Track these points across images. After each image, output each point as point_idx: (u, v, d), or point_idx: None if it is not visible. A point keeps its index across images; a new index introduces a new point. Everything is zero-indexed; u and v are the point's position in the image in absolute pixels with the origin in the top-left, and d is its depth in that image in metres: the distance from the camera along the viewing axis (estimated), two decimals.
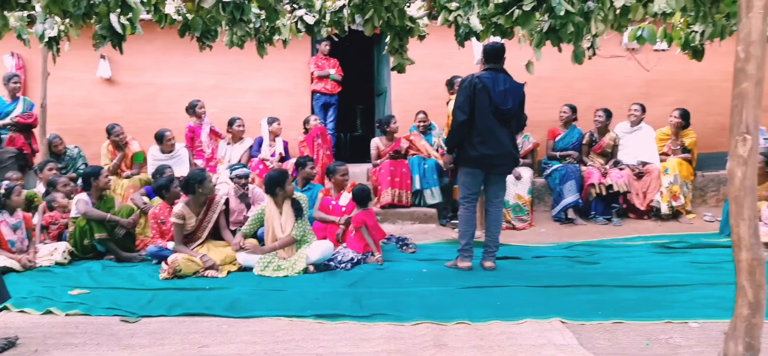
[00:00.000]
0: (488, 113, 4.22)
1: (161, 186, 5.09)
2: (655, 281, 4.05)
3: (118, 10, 3.86)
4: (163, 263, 4.45)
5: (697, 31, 4.56)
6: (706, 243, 5.22)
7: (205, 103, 7.04)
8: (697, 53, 4.72)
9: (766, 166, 5.70)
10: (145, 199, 5.63)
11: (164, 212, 5.02)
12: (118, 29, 3.99)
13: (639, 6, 3.76)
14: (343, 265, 4.59)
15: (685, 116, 6.75)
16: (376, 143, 7.00)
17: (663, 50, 6.91)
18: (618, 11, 4.00)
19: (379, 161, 6.84)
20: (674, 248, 5.15)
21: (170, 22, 4.67)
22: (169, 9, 4.61)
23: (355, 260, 4.66)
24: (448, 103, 6.75)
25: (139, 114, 7.72)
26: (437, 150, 6.95)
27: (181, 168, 6.45)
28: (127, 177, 6.39)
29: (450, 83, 6.83)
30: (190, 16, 4.52)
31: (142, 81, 7.83)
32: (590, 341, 2.96)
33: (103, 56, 7.60)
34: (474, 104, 4.21)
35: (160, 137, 6.54)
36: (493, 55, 4.37)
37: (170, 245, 4.81)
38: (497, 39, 4.59)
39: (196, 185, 4.64)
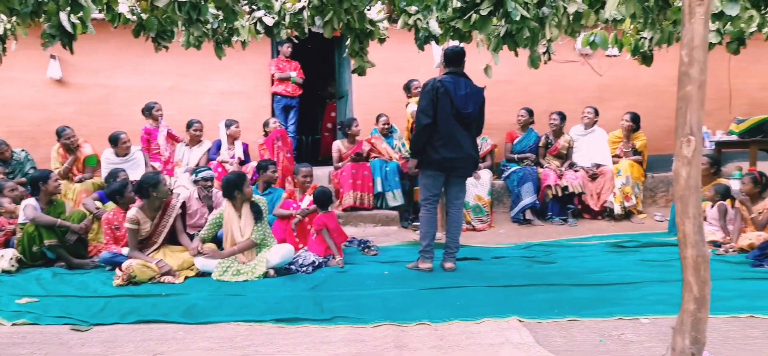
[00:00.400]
0: (450, 116, 4.27)
1: (115, 191, 4.94)
2: (609, 279, 4.17)
3: (68, 9, 3.73)
4: (117, 270, 4.32)
5: (646, 38, 4.73)
6: (656, 242, 5.42)
7: (162, 105, 6.87)
8: (647, 59, 4.89)
9: (711, 167, 5.97)
10: (98, 204, 5.45)
11: (118, 217, 4.87)
12: (69, 28, 3.84)
13: (591, 12, 3.88)
14: (303, 268, 4.55)
15: (635, 119, 7.00)
16: (338, 145, 6.99)
17: (615, 56, 7.17)
18: (571, 17, 4.12)
19: (340, 164, 6.83)
20: (626, 247, 5.32)
21: (124, 22, 4.54)
22: (123, 8, 4.49)
23: (316, 263, 4.64)
24: (407, 106, 6.79)
25: (93, 116, 7.47)
26: (399, 153, 6.99)
27: (136, 172, 6.27)
28: (79, 181, 6.17)
29: (407, 87, 6.88)
30: (144, 16, 4.41)
31: (95, 82, 7.57)
32: (546, 339, 3.03)
33: (53, 56, 7.32)
34: (436, 108, 4.24)
35: (114, 140, 6.35)
36: (454, 59, 4.43)
37: (124, 251, 4.67)
38: (456, 43, 4.65)
39: (150, 188, 4.52)
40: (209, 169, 5.71)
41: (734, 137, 7.06)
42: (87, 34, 4.08)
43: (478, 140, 6.91)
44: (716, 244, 5.11)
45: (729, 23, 4.48)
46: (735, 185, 5.70)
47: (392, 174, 6.68)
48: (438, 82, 4.29)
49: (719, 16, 4.19)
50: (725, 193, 5.34)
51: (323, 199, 4.94)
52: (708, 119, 7.57)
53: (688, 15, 2.11)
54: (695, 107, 2.16)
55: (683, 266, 2.30)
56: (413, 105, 6.91)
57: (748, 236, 4.93)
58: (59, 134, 6.28)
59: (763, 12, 4.17)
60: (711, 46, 4.80)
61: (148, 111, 6.75)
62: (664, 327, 3.11)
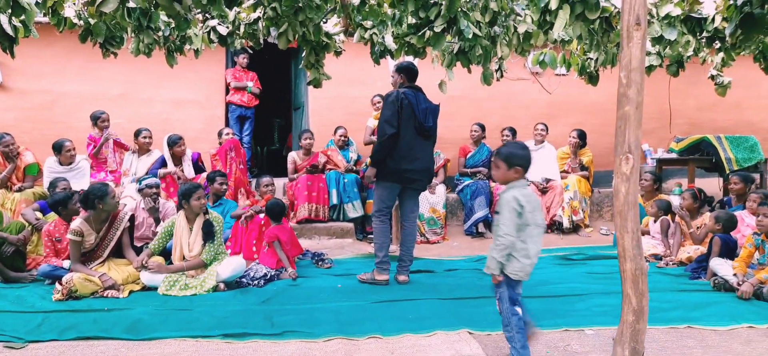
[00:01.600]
0: (412, 129, 4.34)
1: (58, 201, 4.73)
2: (556, 291, 4.28)
3: (9, 11, 3.58)
4: (56, 284, 4.14)
5: (592, 58, 4.93)
6: (601, 255, 5.61)
7: (111, 112, 6.66)
8: (593, 78, 5.10)
9: (654, 183, 6.25)
10: (39, 214, 5.21)
11: (60, 228, 4.67)
12: (10, 31, 3.69)
13: (540, 33, 4.01)
14: (255, 282, 4.48)
15: (582, 136, 7.26)
16: (293, 157, 6.94)
17: (563, 75, 7.43)
18: (521, 37, 4.26)
19: (295, 176, 6.78)
20: (574, 260, 5.48)
21: (70, 27, 4.40)
22: (69, 12, 4.35)
23: (268, 276, 4.57)
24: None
25: (36, 123, 7.17)
26: (356, 165, 7.01)
27: (81, 181, 6.04)
28: (19, 191, 5.89)
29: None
30: (92, 21, 4.28)
31: (39, 88, 7.27)
32: (495, 351, 3.08)
33: None
34: (400, 119, 4.29)
35: (58, 148, 6.09)
36: (413, 74, 4.52)
37: (66, 264, 4.48)
38: (411, 58, 4.72)
39: (96, 200, 4.35)
40: (154, 176, 5.56)
41: (674, 155, 7.41)
42: (30, 38, 3.93)
43: None
44: (657, 257, 5.33)
45: (668, 47, 4.74)
46: (675, 200, 5.98)
47: (351, 185, 6.69)
48: (402, 94, 4.33)
49: (659, 40, 4.43)
50: (667, 208, 5.59)
51: (276, 211, 4.89)
52: (649, 138, 7.95)
53: (626, 39, 2.22)
54: (633, 126, 2.27)
55: (622, 278, 2.39)
56: (373, 120, 6.96)
57: (687, 249, 5.17)
58: None
59: (699, 37, 4.42)
60: (652, 68, 5.06)
61: (95, 120, 6.53)
62: (607, 338, 3.21)
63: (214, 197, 5.50)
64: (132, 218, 4.80)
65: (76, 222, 4.37)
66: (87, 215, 4.42)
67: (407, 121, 4.31)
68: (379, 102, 7.08)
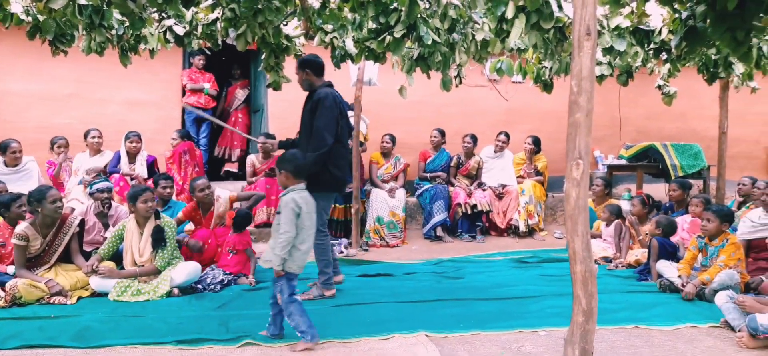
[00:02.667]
0: (344, 132, 4.15)
1: (1, 204, 4.53)
2: (511, 293, 4.38)
3: None
4: None
5: (546, 67, 5.07)
6: (555, 258, 5.76)
7: (61, 113, 6.42)
8: (547, 86, 5.24)
9: (606, 188, 6.47)
10: None
11: (4, 233, 4.47)
12: None
13: (497, 41, 4.10)
14: (211, 287, 4.40)
15: (536, 142, 7.46)
16: (252, 160, 6.85)
17: (519, 82, 7.60)
18: (479, 44, 4.34)
19: (254, 179, 6.69)
20: (528, 262, 5.62)
21: (17, 23, 4.22)
22: (16, 8, 4.17)
23: (226, 281, 4.50)
24: None
25: None
26: None
27: (28, 184, 5.78)
28: None
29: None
30: (41, 18, 4.12)
31: None
32: (452, 352, 3.13)
33: None
34: (339, 124, 4.07)
35: (3, 148, 5.83)
36: (322, 68, 4.19)
37: (10, 269, 4.29)
38: (370, 63, 4.74)
39: (34, 202, 4.17)
40: (105, 180, 5.38)
41: (624, 161, 7.69)
42: None
43: (391, 160, 7.15)
44: (607, 260, 5.51)
45: (618, 57, 4.93)
46: (625, 205, 6.21)
47: None
48: (337, 96, 4.08)
49: (610, 50, 4.60)
50: (619, 213, 5.79)
51: (240, 221, 4.83)
52: (601, 144, 8.22)
53: (577, 48, 2.30)
54: (583, 133, 2.35)
55: (573, 280, 2.47)
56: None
57: (635, 252, 5.37)
58: None
59: (647, 49, 4.61)
60: (603, 77, 5.24)
61: (52, 144, 6.30)
62: (559, 338, 3.29)
63: (161, 201, 5.34)
64: (82, 223, 4.63)
65: (21, 226, 4.19)
66: (33, 219, 4.25)
67: (343, 124, 4.11)
68: None
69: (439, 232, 6.87)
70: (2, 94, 6.99)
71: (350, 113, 6.69)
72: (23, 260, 4.14)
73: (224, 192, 5.13)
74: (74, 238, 4.41)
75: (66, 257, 4.38)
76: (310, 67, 4.13)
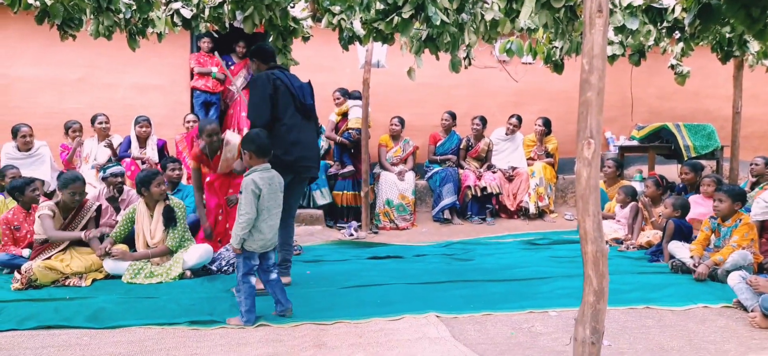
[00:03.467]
0: (295, 111, 3.90)
1: (15, 188, 4.58)
2: (522, 274, 4.38)
3: None
4: (15, 273, 4.01)
5: (557, 47, 5.01)
6: (565, 239, 5.75)
7: (70, 98, 6.44)
8: (558, 67, 5.18)
9: (617, 169, 6.42)
10: None
11: (19, 216, 4.53)
12: None
13: (506, 20, 4.05)
14: (223, 269, 4.44)
15: (547, 124, 7.40)
16: None
17: (529, 63, 7.52)
18: (488, 24, 4.29)
19: None
20: (539, 244, 5.61)
21: (26, 7, 4.22)
22: None
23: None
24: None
25: None
26: (326, 157, 6.99)
27: (40, 169, 5.86)
28: None
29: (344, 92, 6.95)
30: (49, 2, 4.12)
31: None
32: (462, 333, 3.14)
33: None
34: (277, 103, 3.81)
35: (14, 133, 5.89)
36: (269, 55, 4.07)
37: (25, 252, 4.35)
38: (379, 44, 4.70)
39: (61, 186, 4.28)
40: (118, 164, 5.42)
41: (635, 143, 7.62)
42: None
43: (400, 142, 7.12)
44: (618, 241, 5.49)
45: (630, 36, 4.85)
46: (638, 187, 6.16)
47: (320, 172, 6.66)
48: (272, 75, 3.85)
49: (622, 29, 4.53)
50: (634, 194, 5.74)
51: None
52: (612, 125, 8.13)
53: (588, 26, 2.26)
54: (594, 112, 2.31)
55: (584, 260, 2.45)
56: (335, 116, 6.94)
57: (646, 234, 5.34)
58: None
59: (659, 27, 4.53)
60: (614, 57, 5.17)
61: (66, 129, 6.34)
62: (569, 318, 3.30)
63: (170, 184, 5.37)
64: (99, 210, 4.67)
65: (48, 203, 4.34)
66: (58, 200, 4.33)
67: (286, 103, 3.85)
68: (339, 99, 7.05)
69: (448, 215, 6.87)
70: (12, 79, 7.03)
71: (356, 101, 6.71)
72: (57, 226, 4.25)
73: (235, 137, 5.01)
74: (91, 222, 4.47)
75: (81, 241, 4.42)
76: (255, 55, 4.05)
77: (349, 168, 6.72)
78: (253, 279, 3.27)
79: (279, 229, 3.72)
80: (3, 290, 3.89)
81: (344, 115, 6.90)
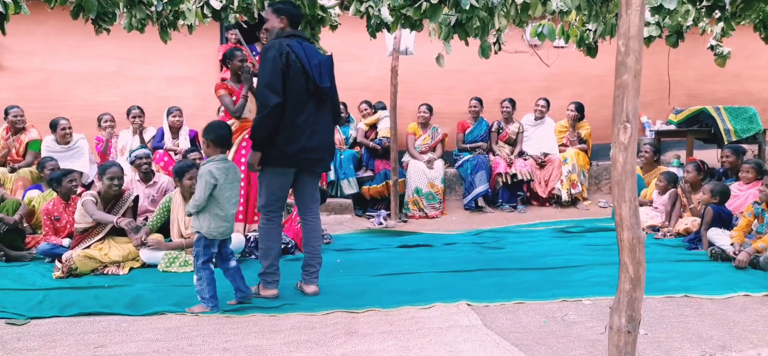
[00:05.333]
0: (304, 93, 3.33)
1: (54, 179, 4.74)
2: (554, 263, 4.31)
3: None
4: (56, 262, 4.15)
5: (590, 29, 4.88)
6: (599, 227, 5.64)
7: (105, 91, 6.59)
8: (591, 50, 5.05)
9: (654, 154, 6.24)
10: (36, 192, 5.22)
11: (59, 207, 4.68)
12: (0, 8, 3.63)
13: (538, 3, 3.96)
14: (255, 256, 4.49)
15: (580, 109, 7.23)
16: None
17: (562, 47, 7.34)
18: (519, 7, 4.20)
19: None
20: (572, 232, 5.51)
21: (61, 3, 4.32)
22: None
23: None
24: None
25: (30, 102, 7.07)
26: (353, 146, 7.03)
27: (79, 161, 6.03)
28: (12, 170, 5.84)
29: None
30: None
31: (32, 66, 7.20)
32: (493, 321, 3.11)
33: None
34: (287, 82, 3.28)
35: (53, 126, 6.07)
36: (297, 19, 3.52)
37: (65, 242, 4.49)
38: (407, 31, 4.65)
39: (100, 175, 4.47)
40: (143, 147, 5.59)
41: (672, 127, 7.39)
42: (22, 15, 3.87)
43: (428, 130, 7.07)
44: (654, 229, 5.35)
45: (668, 17, 4.69)
46: (676, 173, 5.98)
47: (347, 162, 6.69)
48: (285, 46, 3.27)
49: (659, 9, 4.38)
50: (676, 180, 5.58)
51: None
52: (648, 109, 7.91)
53: (625, 6, 2.19)
54: (631, 95, 2.25)
55: (619, 247, 2.39)
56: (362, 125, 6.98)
57: (684, 221, 5.19)
58: (6, 112, 6.10)
59: (698, 7, 4.37)
60: (651, 39, 5.01)
61: (99, 121, 6.52)
62: (604, 307, 3.24)
63: None
64: (136, 200, 4.79)
65: (90, 191, 4.50)
66: (99, 190, 4.49)
67: (296, 83, 3.28)
68: (366, 109, 7.11)
69: (479, 202, 6.81)
70: (50, 73, 7.24)
71: (385, 112, 6.78)
72: (99, 210, 4.37)
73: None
74: (129, 212, 4.58)
75: (119, 231, 4.54)
76: (285, 13, 3.45)
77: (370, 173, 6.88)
78: (212, 266, 3.32)
79: (303, 231, 3.69)
80: (45, 278, 4.03)
81: (373, 126, 7.05)
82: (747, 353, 2.68)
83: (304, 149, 3.37)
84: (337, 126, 6.94)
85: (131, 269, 4.28)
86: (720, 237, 4.33)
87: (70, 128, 6.12)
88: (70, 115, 6.34)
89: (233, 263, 3.40)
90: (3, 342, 2.88)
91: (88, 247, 4.28)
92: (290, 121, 3.32)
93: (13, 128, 6.08)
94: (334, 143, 3.69)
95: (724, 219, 4.57)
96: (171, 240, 4.46)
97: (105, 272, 4.16)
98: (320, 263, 3.62)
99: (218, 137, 3.30)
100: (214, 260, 3.35)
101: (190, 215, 3.32)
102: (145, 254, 4.35)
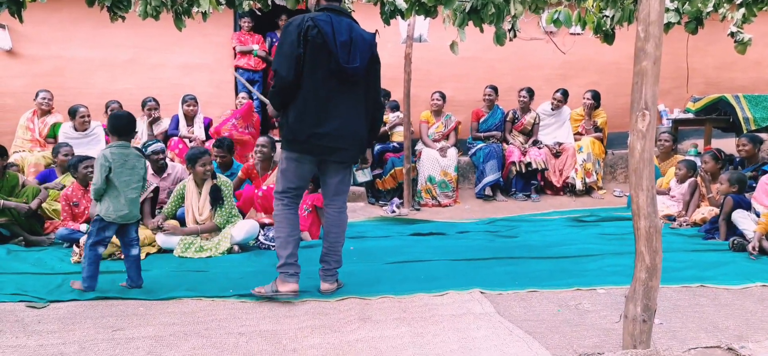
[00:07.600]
0: (325, 72, 2.99)
1: (71, 165, 4.80)
2: (568, 252, 4.28)
3: None
4: (74, 247, 4.21)
5: (608, 16, 4.81)
6: (614, 216, 5.58)
7: (121, 79, 6.65)
8: (609, 37, 4.98)
9: (673, 143, 6.16)
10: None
11: (77, 193, 4.74)
12: None
13: None
14: (269, 243, 4.53)
15: (596, 97, 7.15)
16: None
17: (578, 34, 7.27)
18: None
19: None
20: (586, 221, 5.47)
21: None
22: None
23: None
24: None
25: (47, 89, 7.19)
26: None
27: (96, 148, 6.10)
28: (35, 155, 5.94)
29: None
30: None
31: (48, 54, 7.27)
32: (507, 309, 3.10)
33: (2, 26, 6.99)
34: (304, 59, 2.96)
35: (72, 113, 6.16)
36: None
37: (83, 227, 4.56)
38: (421, 17, 4.62)
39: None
40: (157, 141, 5.61)
41: (690, 115, 7.29)
42: (37, 3, 3.91)
43: (442, 118, 7.03)
44: (671, 218, 5.29)
45: (687, 3, 4.61)
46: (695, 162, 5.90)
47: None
48: (309, 21, 2.94)
49: None
50: (695, 169, 5.50)
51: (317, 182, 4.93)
52: (666, 98, 7.81)
53: None
54: (650, 82, 2.22)
55: (636, 236, 2.37)
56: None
57: (701, 210, 5.12)
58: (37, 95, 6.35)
59: None
60: (670, 25, 4.93)
61: (106, 108, 6.58)
62: (619, 296, 3.22)
63: (223, 167, 5.48)
64: (157, 191, 4.83)
65: None
66: None
67: (316, 60, 2.95)
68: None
69: (492, 191, 6.78)
70: (66, 61, 7.31)
71: (397, 113, 6.75)
72: None
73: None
74: (147, 202, 4.62)
75: None
76: None
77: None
78: (101, 250, 3.38)
79: (324, 222, 3.47)
80: (64, 262, 4.09)
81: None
82: (764, 343, 2.65)
83: (317, 135, 3.02)
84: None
85: (148, 254, 4.33)
86: (745, 221, 4.26)
87: (88, 115, 6.20)
88: (87, 102, 6.42)
89: (135, 251, 3.48)
90: (24, 325, 2.93)
91: None
92: (306, 103, 2.99)
93: (40, 110, 6.26)
94: (365, 134, 3.25)
95: (744, 208, 4.50)
96: (186, 226, 4.50)
97: (121, 257, 4.20)
98: (338, 262, 3.37)
99: (113, 126, 3.44)
100: (106, 243, 3.44)
101: (94, 200, 3.40)
102: (161, 239, 4.40)
